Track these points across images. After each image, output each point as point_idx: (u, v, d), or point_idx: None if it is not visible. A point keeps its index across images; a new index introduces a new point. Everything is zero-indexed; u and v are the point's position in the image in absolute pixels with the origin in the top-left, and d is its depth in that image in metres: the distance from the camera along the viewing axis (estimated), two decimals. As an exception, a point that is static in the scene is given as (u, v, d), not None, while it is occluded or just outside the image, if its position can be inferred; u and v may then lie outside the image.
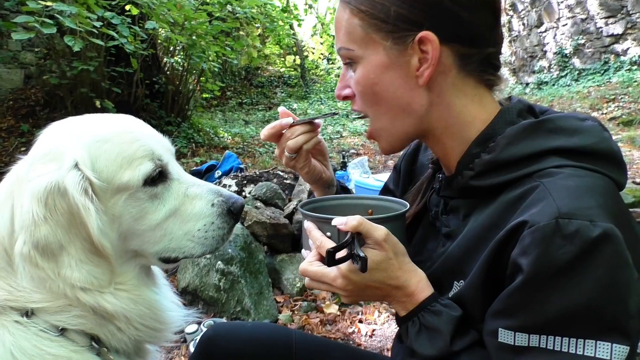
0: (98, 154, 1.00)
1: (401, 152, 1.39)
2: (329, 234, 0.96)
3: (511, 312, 0.81)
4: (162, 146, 1.12)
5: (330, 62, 22.74)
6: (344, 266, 0.89)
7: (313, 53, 22.79)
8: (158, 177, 1.06)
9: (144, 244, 1.07)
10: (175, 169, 1.13)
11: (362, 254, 0.85)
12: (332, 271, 0.92)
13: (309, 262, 0.97)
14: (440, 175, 1.09)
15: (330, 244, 0.92)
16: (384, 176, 3.66)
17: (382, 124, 1.02)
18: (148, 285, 1.12)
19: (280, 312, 3.12)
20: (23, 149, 7.32)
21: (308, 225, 0.99)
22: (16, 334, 0.94)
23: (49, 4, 4.13)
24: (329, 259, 0.88)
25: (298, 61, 19.50)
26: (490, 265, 0.85)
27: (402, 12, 0.91)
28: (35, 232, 0.92)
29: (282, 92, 18.18)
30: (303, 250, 1.05)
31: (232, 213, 1.15)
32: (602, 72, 9.82)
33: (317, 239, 0.96)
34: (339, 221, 0.91)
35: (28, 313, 0.96)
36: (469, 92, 0.98)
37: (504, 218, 0.86)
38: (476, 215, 0.95)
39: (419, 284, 0.93)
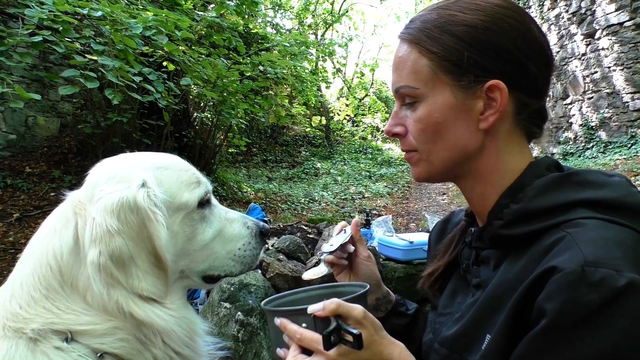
0: (161, 177, 1.12)
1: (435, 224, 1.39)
2: (304, 325, 0.91)
3: (531, 358, 0.78)
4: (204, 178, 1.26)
5: (355, 124, 23.13)
6: (333, 351, 0.85)
7: (339, 114, 23.27)
8: (205, 202, 1.19)
9: (191, 263, 1.18)
10: (212, 197, 1.26)
11: (355, 332, 0.83)
12: None
13: (294, 356, 0.90)
14: (473, 229, 1.09)
15: (312, 334, 0.88)
16: (407, 236, 3.59)
17: (431, 158, 1.02)
18: (189, 308, 1.18)
19: (297, 370, 3.00)
20: (53, 194, 7.54)
21: (280, 321, 0.93)
22: None
23: (95, 57, 4.31)
24: (326, 343, 0.84)
25: (324, 122, 19.88)
26: (517, 312, 0.83)
27: (475, 58, 0.93)
28: (110, 243, 0.99)
29: (306, 151, 18.46)
30: (278, 349, 0.96)
31: (263, 234, 1.30)
32: (629, 145, 9.73)
33: (297, 332, 0.90)
34: (315, 308, 0.88)
35: (68, 338, 0.99)
36: (516, 141, 1.00)
37: (531, 268, 0.84)
38: (506, 266, 0.94)
39: (401, 354, 0.90)
